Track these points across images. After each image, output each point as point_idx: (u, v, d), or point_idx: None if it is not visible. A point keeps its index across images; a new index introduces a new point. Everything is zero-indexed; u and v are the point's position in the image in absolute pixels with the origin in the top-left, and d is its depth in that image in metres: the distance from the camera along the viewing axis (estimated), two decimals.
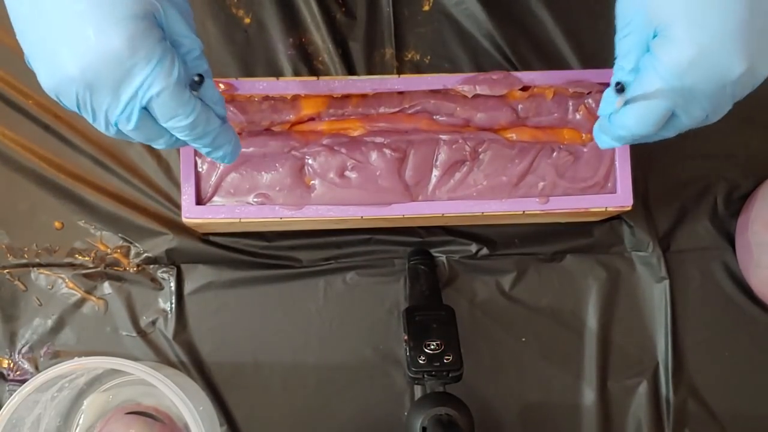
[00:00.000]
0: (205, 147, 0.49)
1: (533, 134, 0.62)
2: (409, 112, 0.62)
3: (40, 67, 0.43)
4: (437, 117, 0.62)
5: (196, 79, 0.44)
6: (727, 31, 0.43)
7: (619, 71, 0.47)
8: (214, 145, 0.49)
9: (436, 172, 0.62)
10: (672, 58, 0.43)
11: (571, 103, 0.62)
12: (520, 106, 0.62)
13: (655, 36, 0.44)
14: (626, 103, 0.47)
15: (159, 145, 0.48)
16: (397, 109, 0.62)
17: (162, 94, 0.43)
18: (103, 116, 0.44)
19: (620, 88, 0.46)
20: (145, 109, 0.44)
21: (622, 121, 0.48)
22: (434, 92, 0.62)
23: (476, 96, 0.62)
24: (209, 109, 0.47)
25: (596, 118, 0.51)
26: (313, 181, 0.61)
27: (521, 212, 0.62)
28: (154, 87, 0.42)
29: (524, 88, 0.62)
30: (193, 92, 0.45)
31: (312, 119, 0.62)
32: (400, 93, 0.62)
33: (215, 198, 0.61)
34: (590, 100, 0.62)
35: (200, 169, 0.61)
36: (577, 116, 0.62)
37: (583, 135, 0.63)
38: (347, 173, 0.61)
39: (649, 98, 0.45)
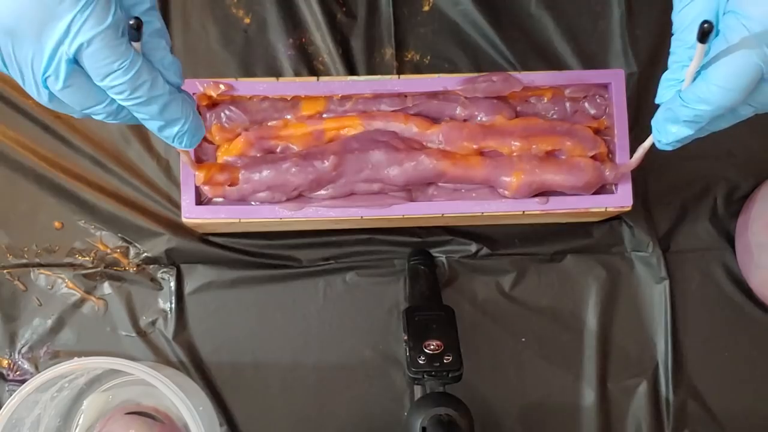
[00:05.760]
0: (154, 120, 0.43)
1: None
2: (411, 112, 0.62)
3: None
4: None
5: (132, 23, 0.38)
6: None
7: (680, 46, 0.44)
8: (163, 118, 0.43)
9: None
10: (764, 10, 0.41)
11: (568, 105, 0.62)
12: (518, 108, 0.62)
13: None
14: (702, 69, 0.43)
15: (99, 115, 0.43)
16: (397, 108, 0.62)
17: (93, 41, 0.38)
18: (30, 71, 0.39)
19: (708, 28, 0.40)
20: (77, 64, 0.39)
21: (702, 92, 0.43)
22: (435, 93, 0.62)
23: (477, 97, 0.62)
24: (156, 71, 0.42)
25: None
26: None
27: (521, 212, 0.62)
28: (83, 32, 0.38)
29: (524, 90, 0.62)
30: (133, 43, 0.40)
31: (311, 117, 0.62)
32: (401, 94, 0.62)
33: (215, 198, 0.61)
34: (586, 104, 0.62)
35: None
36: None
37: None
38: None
39: (738, 50, 0.41)
